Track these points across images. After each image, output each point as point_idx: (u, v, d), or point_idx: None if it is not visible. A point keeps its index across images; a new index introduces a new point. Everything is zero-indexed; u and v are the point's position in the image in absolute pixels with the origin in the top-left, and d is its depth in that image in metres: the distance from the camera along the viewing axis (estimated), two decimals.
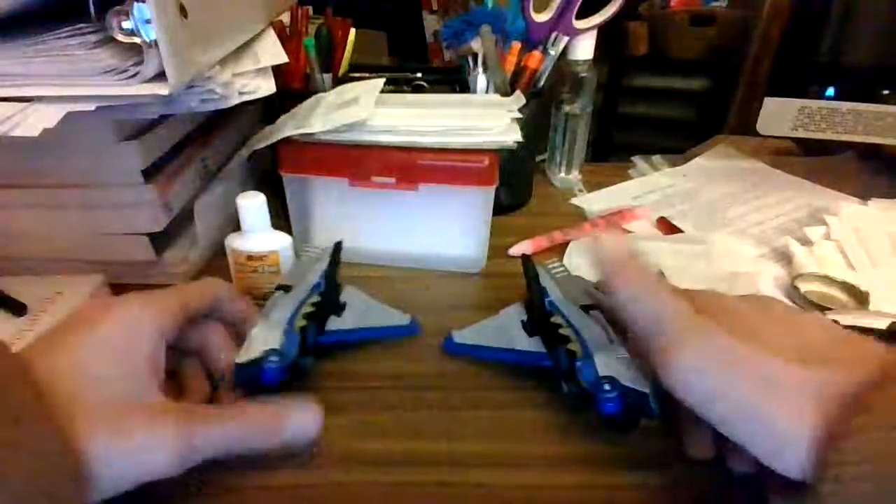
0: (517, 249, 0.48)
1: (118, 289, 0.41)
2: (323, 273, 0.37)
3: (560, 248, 0.50)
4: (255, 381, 0.29)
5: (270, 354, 0.29)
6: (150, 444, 0.23)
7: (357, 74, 0.56)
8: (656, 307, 0.25)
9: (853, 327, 0.35)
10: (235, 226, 0.39)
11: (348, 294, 0.39)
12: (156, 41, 0.30)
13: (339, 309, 0.37)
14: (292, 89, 0.53)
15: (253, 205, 0.38)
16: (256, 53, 0.44)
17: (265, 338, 0.30)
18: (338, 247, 0.41)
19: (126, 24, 0.30)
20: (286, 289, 0.35)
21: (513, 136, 0.41)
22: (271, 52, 0.46)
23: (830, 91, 0.55)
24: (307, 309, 0.34)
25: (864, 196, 0.54)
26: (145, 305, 0.27)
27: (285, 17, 0.55)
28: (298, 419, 0.27)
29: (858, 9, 0.54)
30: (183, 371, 0.31)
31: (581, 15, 0.53)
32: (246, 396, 0.29)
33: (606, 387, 0.28)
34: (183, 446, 0.23)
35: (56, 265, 0.41)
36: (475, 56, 0.51)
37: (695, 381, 0.23)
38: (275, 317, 0.32)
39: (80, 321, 0.26)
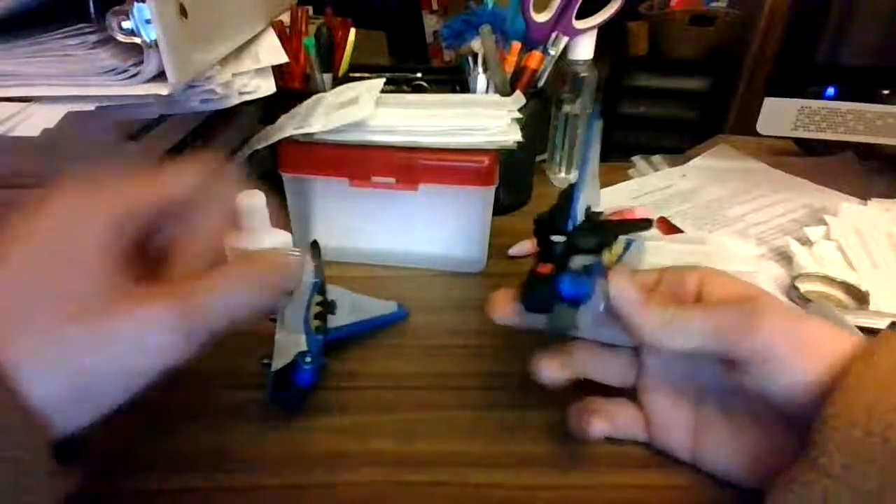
0: (517, 249, 0.48)
1: None
2: (314, 271, 0.37)
3: None
4: (290, 386, 0.29)
5: (302, 357, 0.30)
6: (139, 325, 0.20)
7: (357, 74, 0.56)
8: (703, 318, 0.25)
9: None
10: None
11: (332, 291, 0.39)
12: (156, 41, 0.30)
13: (333, 307, 0.37)
14: (292, 89, 0.53)
15: (252, 204, 0.38)
16: (256, 53, 0.44)
17: (290, 341, 0.31)
18: (315, 244, 0.40)
19: (126, 24, 0.30)
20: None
21: (513, 136, 0.41)
22: (271, 52, 0.46)
23: (830, 91, 0.55)
24: (315, 309, 0.34)
25: (864, 196, 0.54)
26: (84, 192, 0.22)
27: (285, 17, 0.55)
28: (279, 259, 0.25)
29: (858, 9, 0.54)
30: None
31: (581, 15, 0.53)
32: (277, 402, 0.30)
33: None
34: (184, 317, 0.21)
35: None
36: (475, 56, 0.51)
37: (786, 333, 0.24)
38: (290, 319, 0.32)
39: (9, 232, 0.21)
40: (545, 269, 0.26)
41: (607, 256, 0.29)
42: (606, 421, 0.28)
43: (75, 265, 0.20)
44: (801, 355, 0.23)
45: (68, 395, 0.19)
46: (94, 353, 0.19)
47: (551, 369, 0.29)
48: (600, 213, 0.33)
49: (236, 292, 0.23)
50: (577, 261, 0.26)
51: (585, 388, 0.30)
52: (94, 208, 0.22)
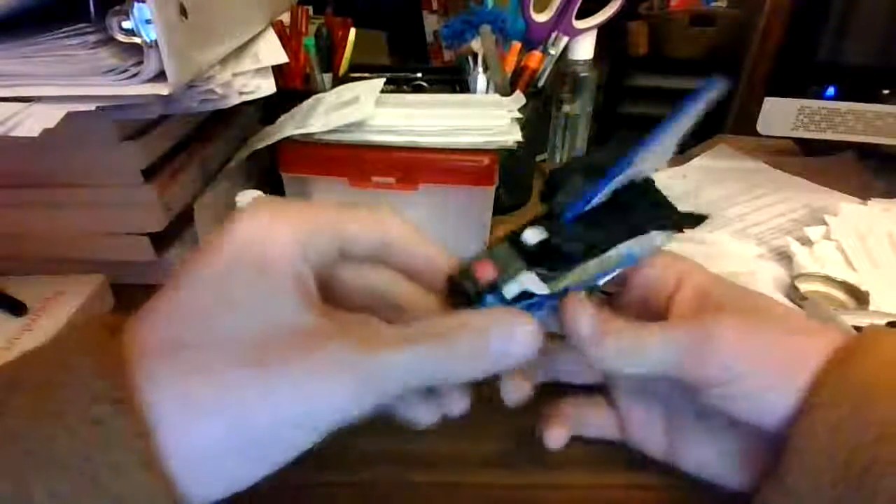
0: None
1: (118, 289, 0.41)
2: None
3: None
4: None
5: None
6: (307, 376, 0.17)
7: (357, 74, 0.56)
8: (658, 350, 0.23)
9: (853, 327, 0.35)
10: None
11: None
12: (156, 41, 0.30)
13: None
14: (292, 89, 0.53)
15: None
16: (256, 53, 0.44)
17: None
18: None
19: (126, 24, 0.30)
20: None
21: (513, 136, 0.41)
22: (271, 51, 0.46)
23: (830, 91, 0.55)
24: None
25: (864, 196, 0.54)
26: (278, 212, 0.19)
27: (285, 17, 0.55)
28: (503, 332, 0.19)
29: (858, 9, 0.54)
30: None
31: (581, 15, 0.53)
32: None
33: None
34: (359, 373, 0.17)
35: (56, 265, 0.41)
36: (475, 56, 0.51)
37: (742, 354, 0.22)
38: None
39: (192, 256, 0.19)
40: (485, 269, 0.22)
41: (577, 274, 0.23)
42: (565, 427, 0.28)
43: (257, 285, 0.18)
44: (761, 374, 0.22)
45: (226, 447, 0.17)
46: (258, 396, 0.17)
47: (515, 380, 0.25)
48: (652, 181, 0.26)
49: (438, 360, 0.19)
50: (524, 280, 0.22)
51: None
52: (285, 228, 0.19)
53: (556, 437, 0.27)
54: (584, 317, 0.23)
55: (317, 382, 0.17)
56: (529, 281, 0.22)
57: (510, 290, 0.22)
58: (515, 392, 0.25)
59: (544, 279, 0.22)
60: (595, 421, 0.29)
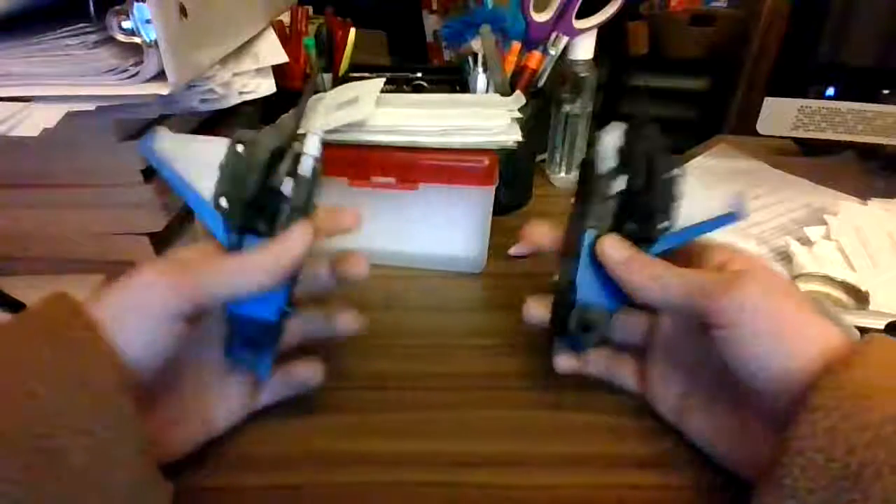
0: (517, 249, 0.48)
1: None
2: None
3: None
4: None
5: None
6: (143, 285, 0.24)
7: (357, 74, 0.56)
8: (685, 274, 0.27)
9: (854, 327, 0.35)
10: None
11: None
12: (156, 41, 0.30)
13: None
14: (292, 89, 0.53)
15: None
16: (256, 53, 0.44)
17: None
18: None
19: (126, 24, 0.30)
20: None
21: (513, 136, 0.41)
22: (271, 51, 0.46)
23: (830, 91, 0.55)
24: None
25: (864, 196, 0.54)
26: (163, 274, 0.25)
27: (285, 17, 0.55)
28: (290, 241, 0.27)
29: (858, 9, 0.54)
30: None
31: (581, 15, 0.53)
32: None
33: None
34: (180, 283, 0.24)
35: (56, 265, 0.41)
36: (475, 56, 0.51)
37: (759, 305, 0.24)
38: None
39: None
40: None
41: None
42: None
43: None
44: (774, 335, 0.24)
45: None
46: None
47: (533, 308, 0.32)
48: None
49: (241, 272, 0.26)
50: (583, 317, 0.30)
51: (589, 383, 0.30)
52: (168, 292, 0.24)
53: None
54: (617, 246, 0.28)
55: (144, 291, 0.24)
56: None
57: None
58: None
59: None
60: (622, 371, 0.33)
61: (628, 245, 0.28)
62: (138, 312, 0.24)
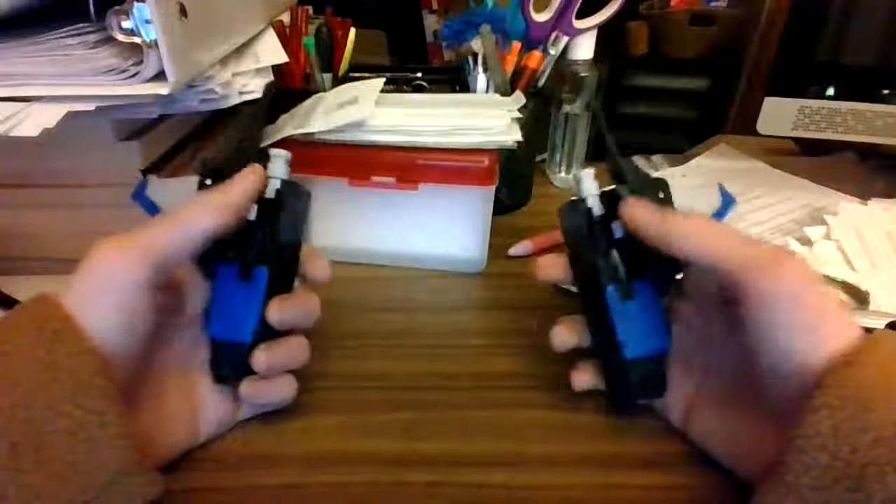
0: (517, 249, 0.48)
1: None
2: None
3: (560, 248, 0.49)
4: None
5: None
6: (102, 262, 0.25)
7: (357, 74, 0.56)
8: (716, 241, 0.26)
9: None
10: None
11: None
12: (156, 41, 0.30)
13: None
14: (292, 89, 0.53)
15: None
16: (256, 53, 0.44)
17: None
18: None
19: (126, 24, 0.30)
20: None
21: (513, 136, 0.41)
22: (271, 51, 0.46)
23: (830, 91, 0.55)
24: None
25: (864, 196, 0.54)
26: (119, 247, 0.26)
27: (285, 17, 0.55)
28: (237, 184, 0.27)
29: (858, 9, 0.54)
30: None
31: (581, 15, 0.53)
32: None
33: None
34: (133, 249, 0.25)
35: (56, 265, 0.41)
36: (475, 56, 0.51)
37: (795, 290, 0.23)
38: None
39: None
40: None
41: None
42: (587, 374, 0.32)
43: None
44: (806, 326, 0.23)
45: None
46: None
47: (563, 335, 0.32)
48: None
49: (192, 221, 0.26)
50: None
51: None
52: (127, 263, 0.25)
53: (580, 381, 0.32)
54: (649, 206, 0.28)
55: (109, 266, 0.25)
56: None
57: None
58: (564, 339, 0.32)
59: None
60: None
61: (654, 204, 0.28)
62: (103, 292, 0.24)
